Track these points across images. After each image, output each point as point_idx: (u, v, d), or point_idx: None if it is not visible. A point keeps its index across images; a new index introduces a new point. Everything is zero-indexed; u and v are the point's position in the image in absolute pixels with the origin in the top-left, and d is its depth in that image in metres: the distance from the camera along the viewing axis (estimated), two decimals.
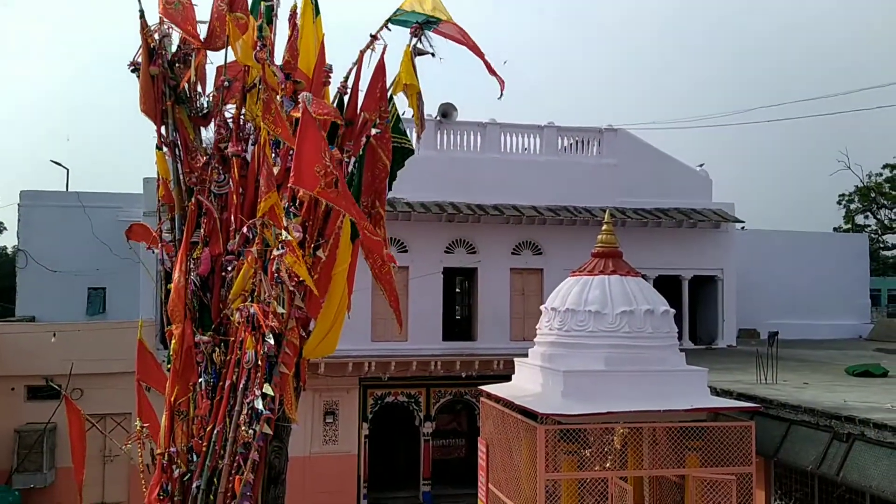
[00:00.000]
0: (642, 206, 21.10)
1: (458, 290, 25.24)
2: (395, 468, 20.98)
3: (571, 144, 21.79)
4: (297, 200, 7.88)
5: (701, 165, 22.81)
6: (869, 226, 37.34)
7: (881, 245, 38.45)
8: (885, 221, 37.02)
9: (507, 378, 11.96)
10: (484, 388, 11.69)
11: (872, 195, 36.71)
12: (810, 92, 28.73)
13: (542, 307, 11.22)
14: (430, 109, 20.25)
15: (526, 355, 11.26)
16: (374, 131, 8.58)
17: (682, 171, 22.31)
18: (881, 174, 36.60)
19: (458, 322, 23.75)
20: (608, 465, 9.51)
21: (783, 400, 10.84)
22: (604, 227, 11.17)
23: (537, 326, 11.16)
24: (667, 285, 20.40)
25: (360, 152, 8.61)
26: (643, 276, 11.65)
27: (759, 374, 12.99)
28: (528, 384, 10.80)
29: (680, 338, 20.59)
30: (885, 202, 36.60)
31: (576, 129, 21.77)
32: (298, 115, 7.38)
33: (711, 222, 21.47)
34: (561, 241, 20.25)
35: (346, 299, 8.32)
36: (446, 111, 20.22)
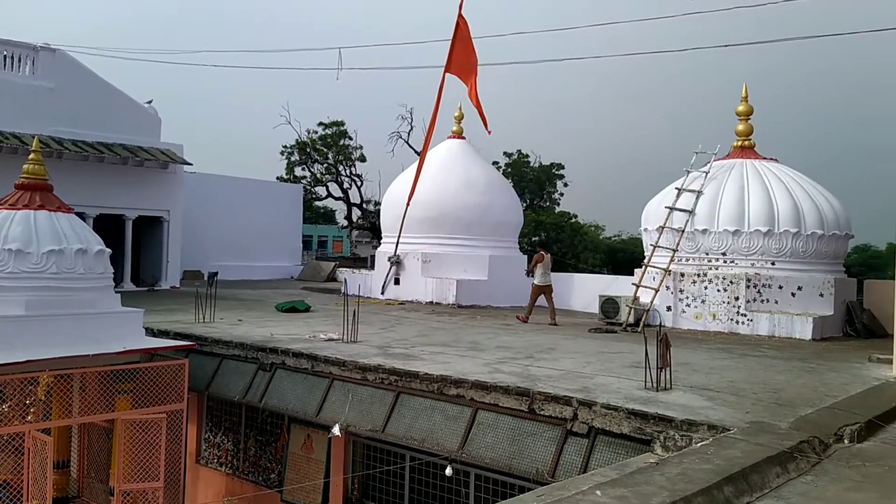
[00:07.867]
0: (84, 137, 19.49)
1: None
2: None
3: None
4: None
5: (149, 102, 22.09)
6: (305, 177, 41.51)
7: (314, 196, 43.15)
8: (318, 175, 41.64)
9: None
10: None
11: (308, 150, 40.84)
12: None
13: None
14: None
15: None
16: None
17: (130, 106, 21.28)
18: (317, 132, 40.96)
19: None
20: (30, 417, 8.65)
21: (217, 337, 11.36)
22: (31, 156, 9.94)
23: None
24: (110, 225, 19.45)
25: None
26: (81, 215, 10.79)
27: (197, 314, 13.35)
28: None
29: (122, 280, 19.98)
30: (318, 157, 41.11)
31: (4, 41, 18.81)
32: None
33: (159, 162, 21.09)
34: None
35: None
36: None
